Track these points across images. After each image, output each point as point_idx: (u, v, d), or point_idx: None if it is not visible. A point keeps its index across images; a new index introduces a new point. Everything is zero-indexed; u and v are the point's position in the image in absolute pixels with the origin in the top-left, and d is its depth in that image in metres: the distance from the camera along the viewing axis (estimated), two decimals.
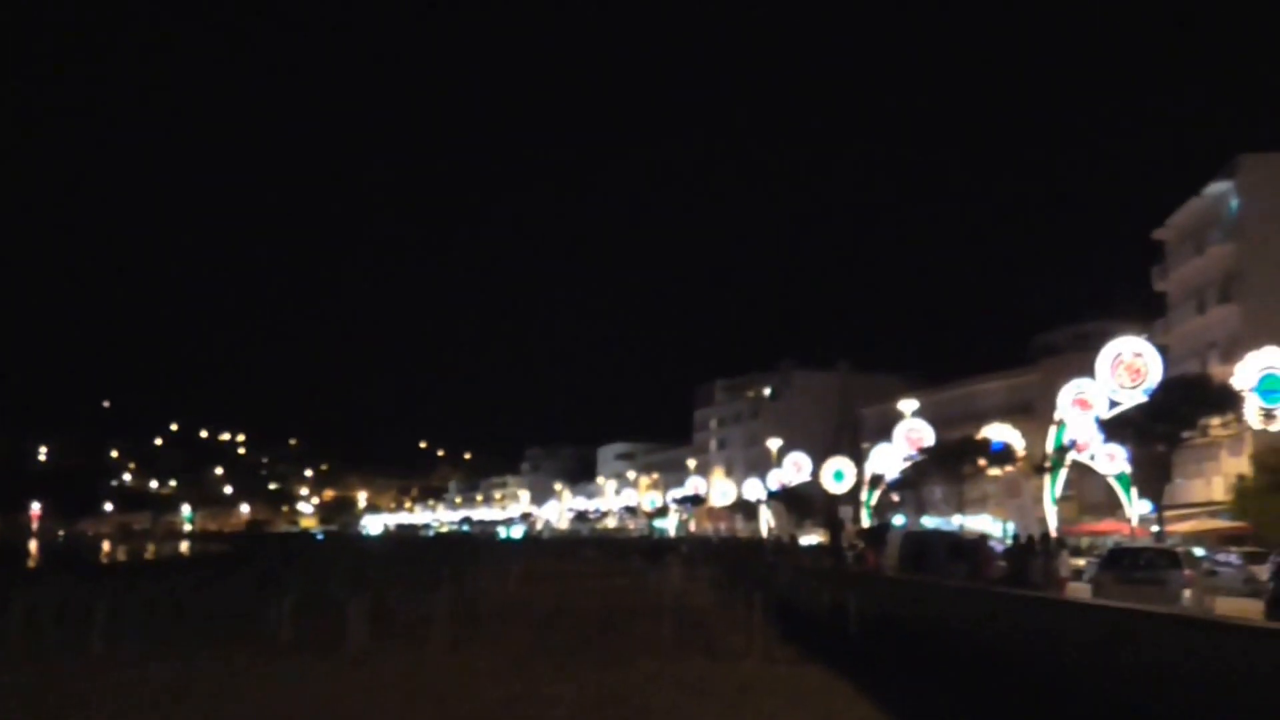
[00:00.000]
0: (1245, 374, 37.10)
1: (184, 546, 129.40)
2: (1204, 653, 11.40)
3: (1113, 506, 54.50)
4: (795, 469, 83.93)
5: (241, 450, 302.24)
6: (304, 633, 21.61)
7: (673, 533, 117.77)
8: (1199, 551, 38.31)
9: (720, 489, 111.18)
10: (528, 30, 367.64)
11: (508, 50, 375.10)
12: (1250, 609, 22.61)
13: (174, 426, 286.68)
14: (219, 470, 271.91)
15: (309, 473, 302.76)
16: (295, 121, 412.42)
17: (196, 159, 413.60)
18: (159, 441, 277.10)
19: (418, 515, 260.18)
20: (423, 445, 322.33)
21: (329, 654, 19.28)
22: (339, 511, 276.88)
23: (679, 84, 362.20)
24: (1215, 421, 37.71)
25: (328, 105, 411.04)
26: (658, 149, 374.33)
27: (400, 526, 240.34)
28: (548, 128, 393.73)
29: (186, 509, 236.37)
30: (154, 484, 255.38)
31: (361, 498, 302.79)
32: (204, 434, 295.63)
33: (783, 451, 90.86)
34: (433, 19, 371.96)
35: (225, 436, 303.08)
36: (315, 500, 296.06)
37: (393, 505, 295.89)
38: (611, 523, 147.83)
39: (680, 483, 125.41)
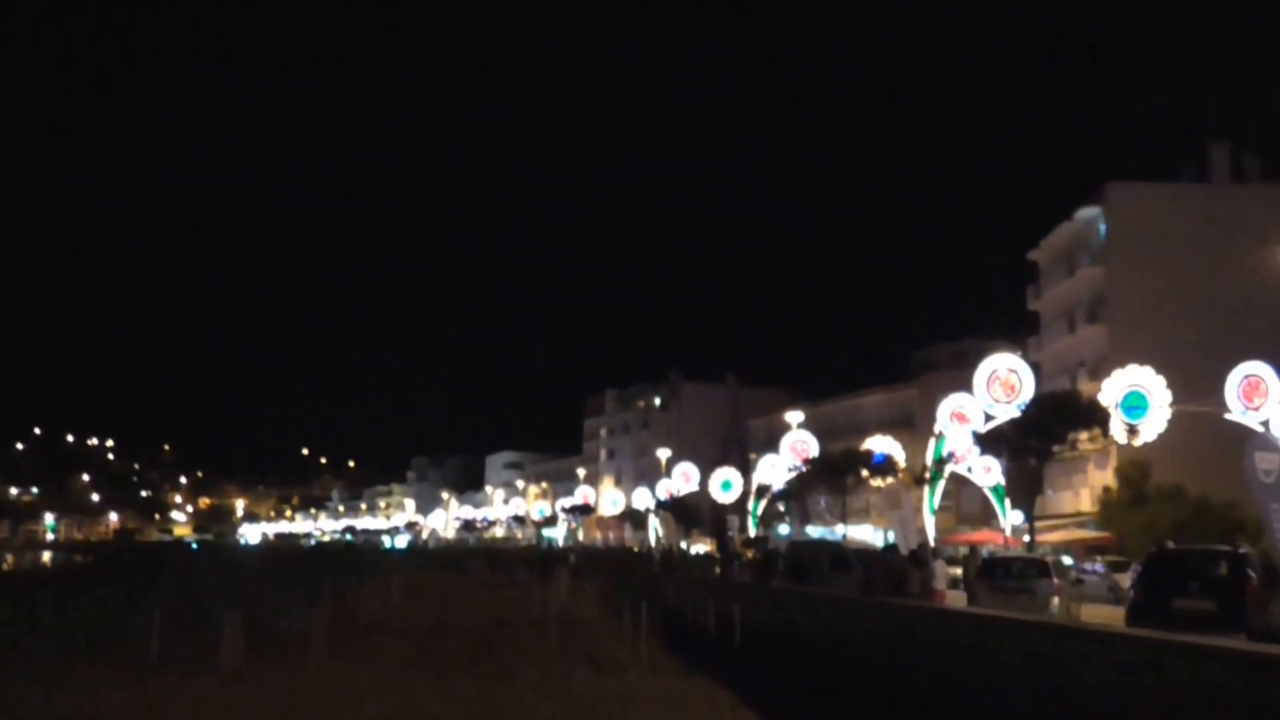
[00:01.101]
0: (1111, 391, 38.62)
1: (46, 557, 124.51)
2: (1068, 657, 11.92)
3: (988, 517, 56.03)
4: (684, 479, 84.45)
5: (110, 456, 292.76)
6: (174, 649, 20.88)
7: (561, 542, 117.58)
8: (1067, 561, 39.70)
9: (609, 498, 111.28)
10: (408, 41, 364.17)
11: (385, 59, 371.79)
12: (1113, 616, 23.49)
13: (36, 431, 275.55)
14: (85, 477, 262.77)
15: (183, 480, 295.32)
16: (177, 120, 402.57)
17: (65, 156, 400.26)
18: (20, 446, 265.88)
19: (299, 525, 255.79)
20: (305, 453, 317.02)
21: (201, 671, 18.68)
22: (215, 520, 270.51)
23: (569, 91, 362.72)
24: (1083, 436, 38.98)
25: (209, 102, 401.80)
26: (548, 158, 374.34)
27: (280, 536, 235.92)
28: (432, 133, 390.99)
29: (49, 518, 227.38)
30: (14, 491, 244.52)
31: (239, 506, 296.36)
32: (70, 439, 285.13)
33: (671, 462, 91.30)
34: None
35: (93, 442, 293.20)
36: (190, 508, 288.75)
37: (272, 514, 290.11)
38: (499, 532, 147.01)
39: (569, 492, 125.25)
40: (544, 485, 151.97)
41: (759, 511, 69.63)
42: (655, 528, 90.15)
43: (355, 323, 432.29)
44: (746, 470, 78.73)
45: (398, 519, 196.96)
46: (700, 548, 77.12)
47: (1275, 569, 14.74)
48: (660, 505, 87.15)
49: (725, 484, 74.28)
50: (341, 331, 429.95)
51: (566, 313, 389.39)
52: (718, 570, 45.61)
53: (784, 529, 77.69)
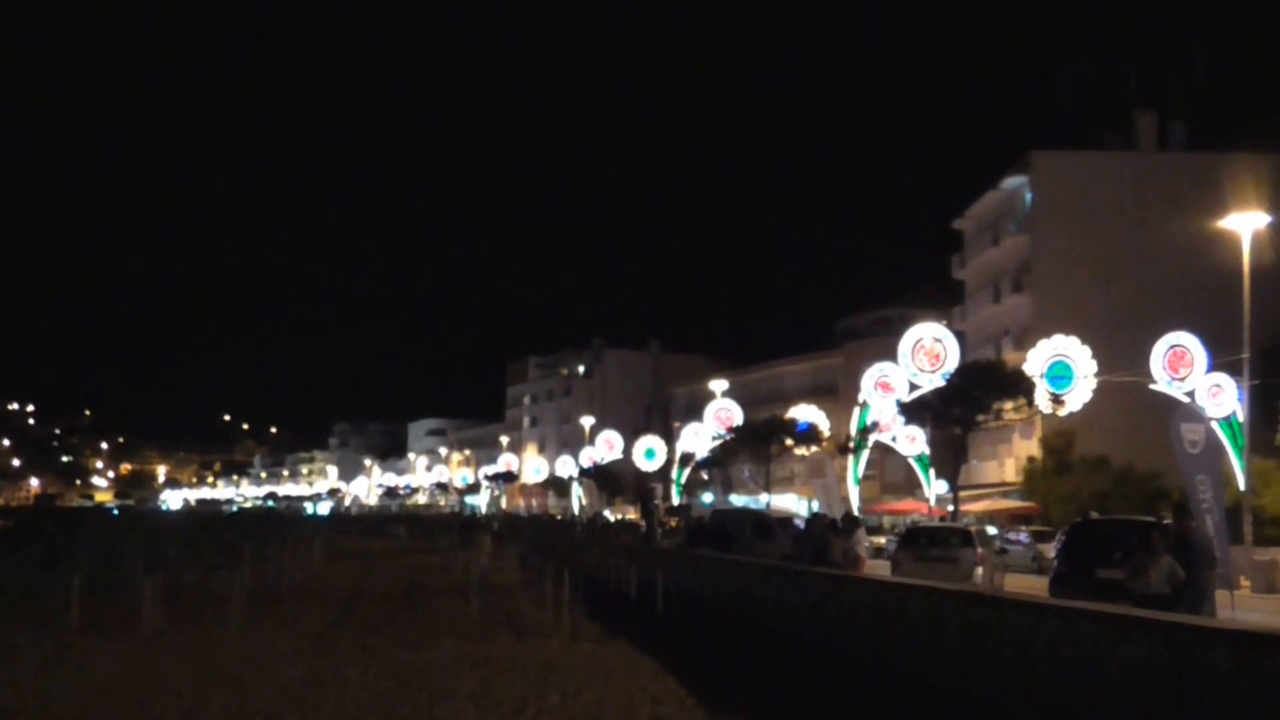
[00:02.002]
0: (1036, 360, 39.01)
1: None
2: (987, 626, 11.95)
3: (912, 486, 56.70)
4: (607, 447, 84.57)
5: (31, 421, 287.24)
6: (94, 612, 20.69)
7: (485, 510, 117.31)
8: (991, 530, 40.21)
9: (532, 466, 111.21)
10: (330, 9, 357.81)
11: (305, 21, 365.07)
12: (1037, 585, 23.77)
13: None
14: (5, 442, 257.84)
15: (104, 445, 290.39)
16: (89, 83, 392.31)
17: None
18: None
19: (221, 491, 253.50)
20: (226, 419, 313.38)
21: (121, 635, 18.55)
22: (136, 486, 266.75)
23: (494, 51, 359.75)
24: (1008, 406, 39.38)
25: (122, 70, 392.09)
26: (474, 120, 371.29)
27: (201, 502, 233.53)
28: (364, 91, 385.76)
29: None
30: None
31: (161, 472, 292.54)
32: None
33: (595, 429, 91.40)
34: None
35: (13, 406, 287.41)
36: (111, 474, 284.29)
37: (194, 480, 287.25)
38: (422, 499, 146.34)
39: (492, 460, 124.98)
40: (467, 453, 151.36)
41: (683, 480, 69.92)
42: (579, 495, 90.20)
43: (277, 288, 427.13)
44: (670, 438, 79.07)
45: (320, 486, 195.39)
46: (624, 515, 77.28)
47: (1191, 539, 14.88)
48: (584, 473, 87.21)
49: (649, 452, 74.51)
50: (263, 297, 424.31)
51: (489, 278, 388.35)
52: (641, 536, 45.63)
53: (708, 497, 78.23)
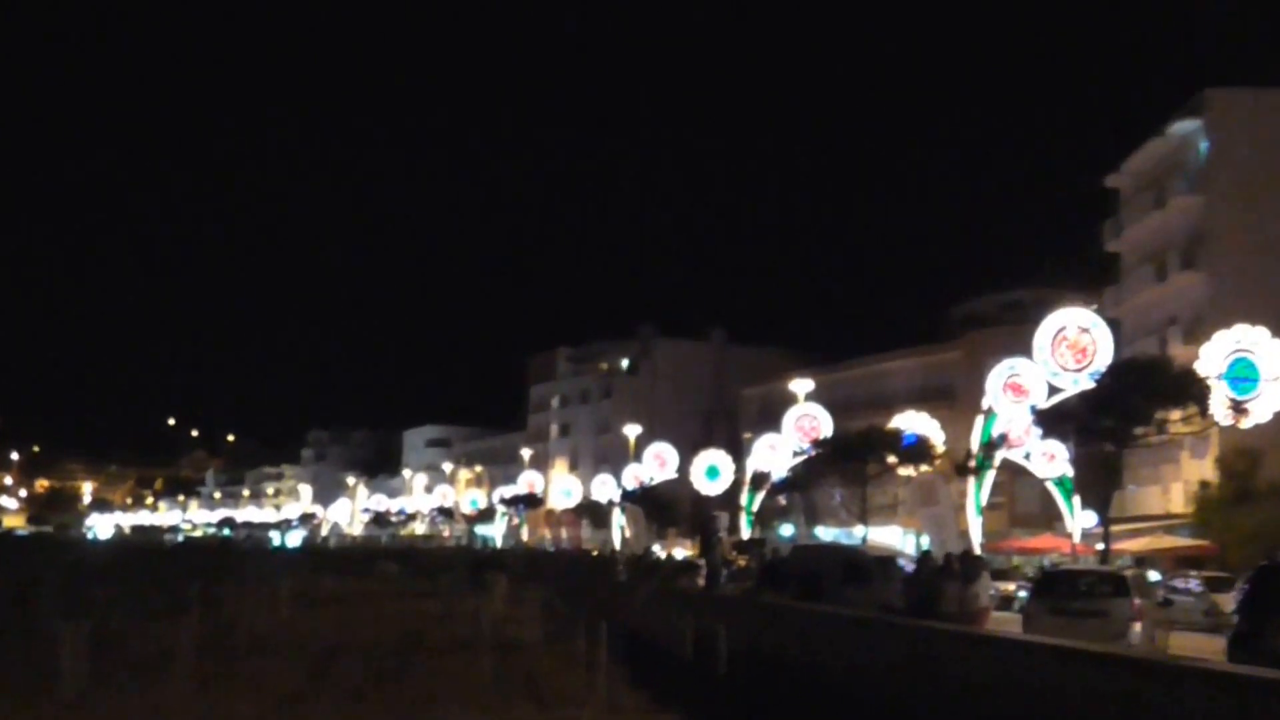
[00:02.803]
0: (1212, 358, 38.45)
1: None
2: (1155, 703, 11.80)
3: (1050, 518, 56.27)
4: (658, 464, 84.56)
5: None
6: (1, 670, 20.91)
7: (500, 543, 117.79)
8: (1153, 576, 39.80)
9: (562, 487, 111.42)
10: None
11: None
12: (1212, 648, 23.52)
13: None
14: None
15: (15, 456, 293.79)
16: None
17: None
18: None
19: (163, 515, 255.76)
20: (171, 423, 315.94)
21: (35, 697, 18.71)
22: (56, 508, 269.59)
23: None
24: (1175, 415, 38.87)
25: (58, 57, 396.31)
26: (490, 74, 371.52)
27: (138, 529, 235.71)
28: (364, 61, 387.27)
29: None
30: None
31: (86, 490, 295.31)
32: None
33: (642, 441, 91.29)
34: None
35: None
36: (23, 493, 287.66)
37: (129, 501, 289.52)
38: (420, 528, 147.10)
39: (510, 479, 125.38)
40: (478, 469, 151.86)
41: (754, 507, 69.90)
42: (621, 526, 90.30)
43: (236, 261, 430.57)
44: (739, 454, 78.87)
45: (290, 510, 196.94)
46: (678, 552, 77.25)
47: None
48: (628, 497, 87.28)
49: (711, 470, 74.57)
50: (219, 272, 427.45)
51: (507, 252, 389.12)
52: (700, 581, 45.69)
53: (787, 530, 78.05)
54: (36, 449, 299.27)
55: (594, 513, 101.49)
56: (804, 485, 68.10)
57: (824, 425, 64.71)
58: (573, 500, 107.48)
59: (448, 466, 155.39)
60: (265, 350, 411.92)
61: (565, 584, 52.59)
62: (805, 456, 63.39)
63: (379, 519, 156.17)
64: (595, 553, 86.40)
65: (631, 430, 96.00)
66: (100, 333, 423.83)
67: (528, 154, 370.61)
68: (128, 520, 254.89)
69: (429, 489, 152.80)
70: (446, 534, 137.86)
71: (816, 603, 28.56)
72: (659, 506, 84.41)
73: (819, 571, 32.91)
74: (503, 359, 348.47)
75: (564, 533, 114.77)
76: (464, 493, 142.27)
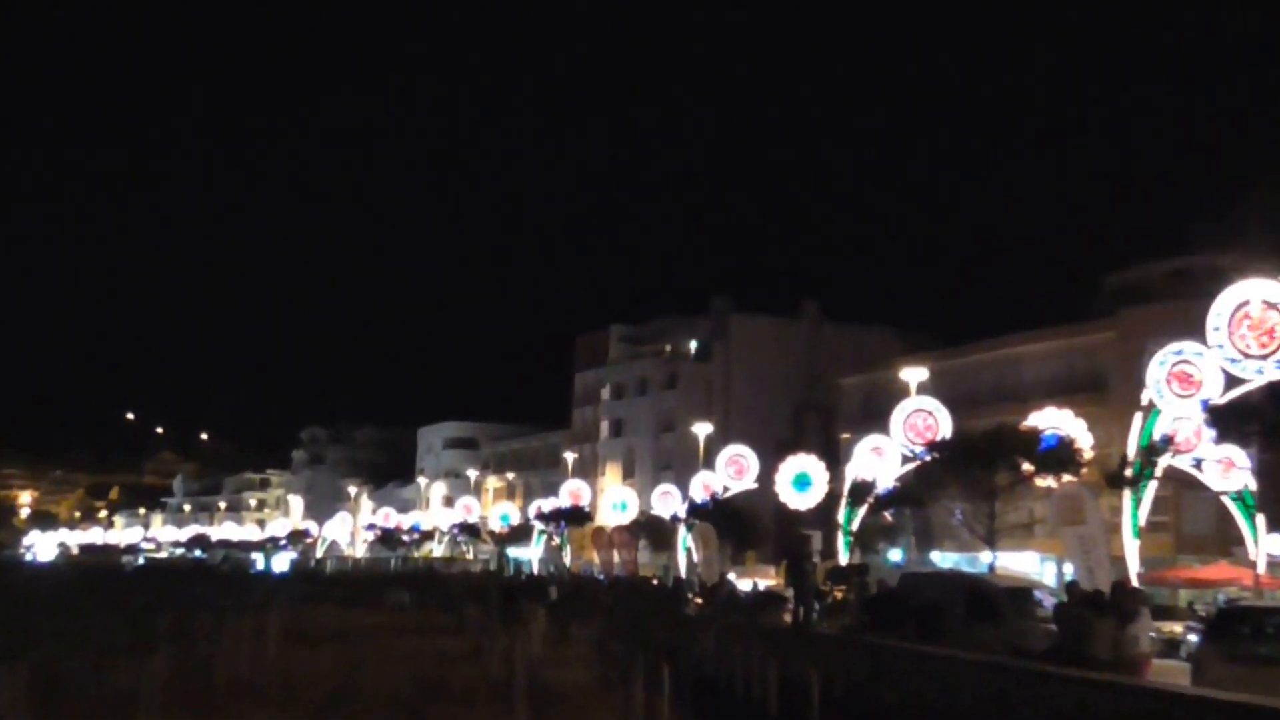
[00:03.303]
0: None
1: None
2: None
3: (1227, 541, 55.90)
4: (735, 471, 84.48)
5: None
6: None
7: (537, 567, 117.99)
8: None
9: (614, 499, 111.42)
10: None
11: None
12: None
13: None
14: None
15: None
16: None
17: None
18: None
19: (120, 532, 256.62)
20: (129, 418, 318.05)
21: None
22: None
23: None
24: None
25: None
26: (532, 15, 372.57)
27: (90, 549, 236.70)
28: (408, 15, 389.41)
29: None
30: None
31: (24, 500, 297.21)
32: None
33: (715, 442, 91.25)
34: None
35: None
36: None
37: (78, 514, 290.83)
38: (439, 549, 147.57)
39: (551, 489, 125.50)
40: (510, 477, 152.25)
41: (854, 524, 69.70)
42: (688, 547, 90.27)
43: (212, 222, 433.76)
44: (835, 458, 78.72)
45: (277, 526, 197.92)
46: (761, 582, 77.32)
47: None
48: (696, 511, 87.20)
49: (801, 479, 74.38)
50: (190, 234, 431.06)
51: (549, 211, 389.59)
52: (786, 616, 45.75)
53: (895, 554, 77.88)
54: None
55: (654, 531, 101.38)
56: (916, 499, 67.79)
57: (942, 424, 64.36)
58: (627, 516, 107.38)
59: (473, 473, 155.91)
60: (248, 331, 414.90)
61: (618, 618, 52.67)
62: (918, 463, 63.13)
63: (388, 537, 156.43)
64: (655, 580, 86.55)
65: (701, 429, 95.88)
66: (42, 306, 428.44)
67: (572, 103, 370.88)
68: (76, 538, 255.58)
69: (449, 501, 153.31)
70: (471, 556, 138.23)
71: (934, 644, 28.57)
72: (735, 524, 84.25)
73: (938, 605, 32.91)
74: (541, 342, 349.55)
75: (616, 556, 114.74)
76: (493, 505, 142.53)
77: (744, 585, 71.24)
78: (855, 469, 68.51)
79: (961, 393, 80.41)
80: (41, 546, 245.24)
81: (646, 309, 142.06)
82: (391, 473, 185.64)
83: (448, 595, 76.29)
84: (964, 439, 61.47)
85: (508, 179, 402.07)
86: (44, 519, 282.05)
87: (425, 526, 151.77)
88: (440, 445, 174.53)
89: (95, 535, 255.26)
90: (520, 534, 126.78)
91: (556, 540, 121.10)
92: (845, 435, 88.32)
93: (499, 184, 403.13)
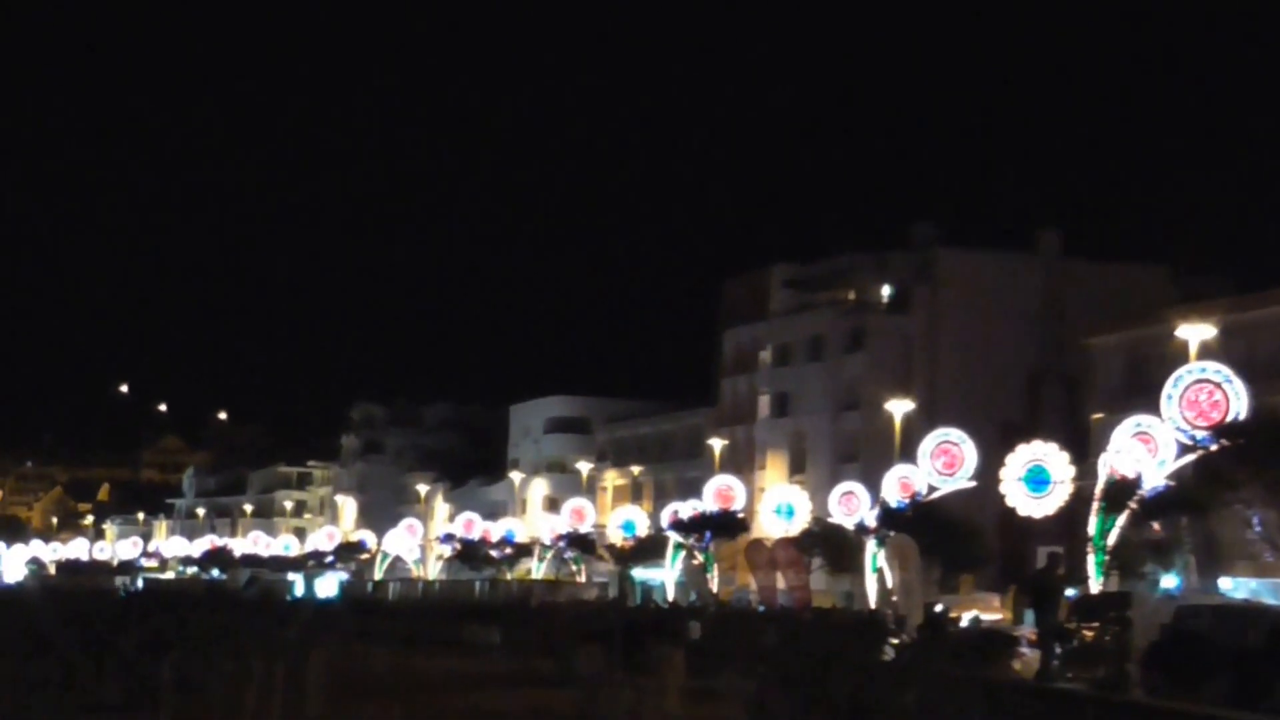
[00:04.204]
0: None
1: None
2: None
3: None
4: (943, 463, 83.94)
5: None
6: None
7: (673, 594, 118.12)
8: None
9: (777, 501, 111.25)
10: None
11: None
12: None
13: None
14: None
15: None
16: None
17: None
18: None
19: (111, 545, 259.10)
20: (123, 390, 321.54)
21: None
22: None
23: None
24: None
25: None
26: None
27: (70, 567, 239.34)
28: None
29: None
30: None
31: None
32: None
33: (917, 424, 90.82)
34: None
35: None
36: None
37: (54, 520, 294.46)
38: (539, 569, 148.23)
39: (691, 489, 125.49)
40: (635, 471, 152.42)
41: (1109, 537, 69.10)
42: (879, 567, 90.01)
43: (225, 140, 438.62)
44: (1083, 448, 77.95)
45: (321, 536, 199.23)
46: (982, 615, 76.99)
47: None
48: (890, 519, 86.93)
49: (1035, 476, 73.68)
50: (198, 159, 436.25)
51: (675, 114, 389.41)
52: (1018, 664, 45.41)
53: (1168, 579, 76.99)
54: None
55: (832, 545, 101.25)
56: (1197, 503, 67.20)
57: (1234, 400, 63.55)
58: (795, 524, 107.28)
59: (584, 466, 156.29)
60: (278, 280, 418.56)
61: (783, 665, 52.46)
62: (1200, 453, 62.53)
63: (470, 553, 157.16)
64: (835, 609, 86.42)
65: (898, 406, 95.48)
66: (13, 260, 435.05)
67: None
68: (52, 552, 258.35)
69: (553, 504, 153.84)
70: (583, 579, 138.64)
71: (1254, 708, 28.18)
72: (944, 536, 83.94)
73: (1251, 650, 32.42)
74: (675, 290, 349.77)
75: (780, 578, 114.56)
76: (612, 510, 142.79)
77: (964, 618, 71.00)
78: (1112, 461, 67.88)
79: (1262, 358, 79.44)
80: (7, 564, 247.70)
81: (820, 243, 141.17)
82: (474, 466, 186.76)
83: (551, 632, 76.47)
84: (1266, 421, 60.79)
85: (622, 70, 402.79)
86: (9, 527, 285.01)
87: (521, 538, 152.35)
88: (540, 429, 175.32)
89: (78, 549, 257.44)
90: (650, 549, 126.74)
91: (699, 558, 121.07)
92: (1098, 415, 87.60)
93: (606, 81, 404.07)
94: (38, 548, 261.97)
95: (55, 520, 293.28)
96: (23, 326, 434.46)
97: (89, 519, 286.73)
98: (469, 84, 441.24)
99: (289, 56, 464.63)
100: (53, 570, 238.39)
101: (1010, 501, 74.29)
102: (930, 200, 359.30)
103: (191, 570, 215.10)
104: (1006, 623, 62.47)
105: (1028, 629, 56.12)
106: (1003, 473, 74.75)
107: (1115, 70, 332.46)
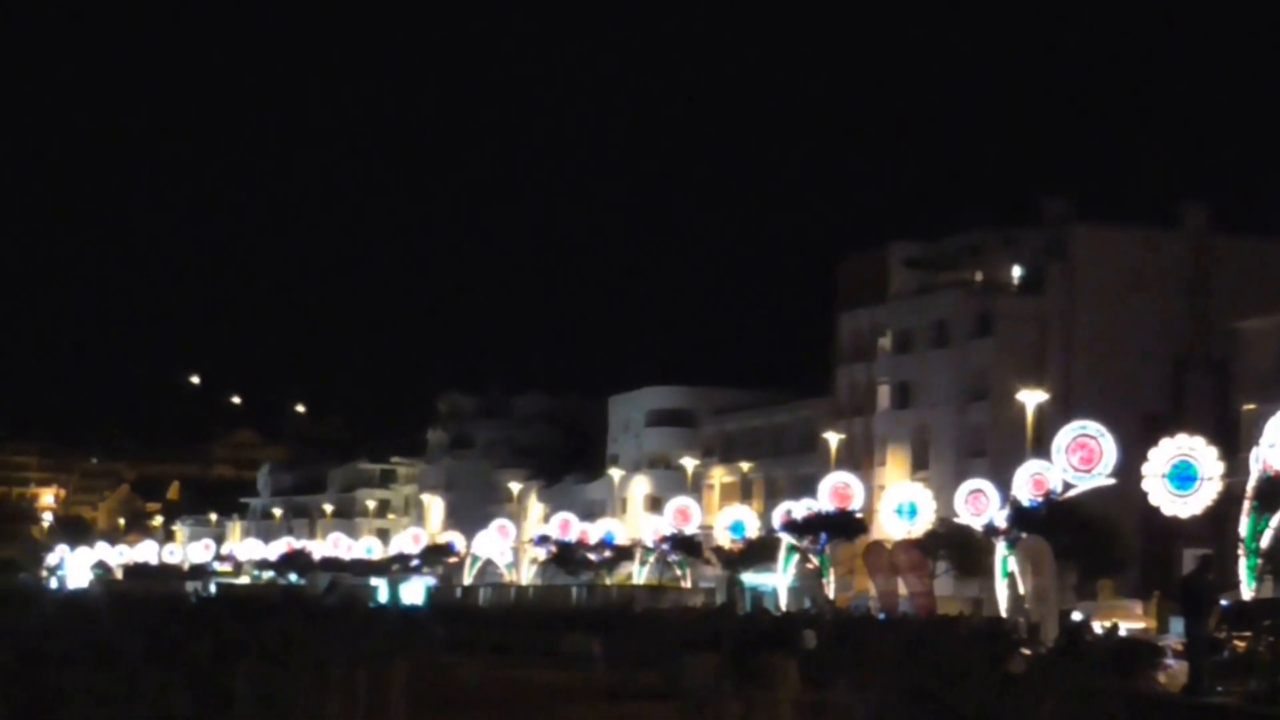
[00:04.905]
0: None
1: None
2: None
3: None
4: (1080, 458, 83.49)
5: None
6: None
7: (786, 601, 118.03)
8: None
9: (899, 500, 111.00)
10: None
11: None
12: None
13: None
14: None
15: None
16: None
17: None
18: None
19: (182, 547, 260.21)
20: (194, 382, 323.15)
21: None
22: None
23: None
24: None
25: None
26: None
27: (138, 571, 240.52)
28: None
29: None
30: None
31: (46, 503, 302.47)
32: None
33: (1050, 417, 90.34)
34: None
35: None
36: None
37: (121, 521, 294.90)
38: (641, 574, 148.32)
39: (805, 485, 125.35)
40: (744, 468, 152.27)
41: (1260, 539, 68.61)
42: (1010, 571, 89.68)
43: (307, 123, 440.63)
44: (1233, 441, 77.25)
45: (406, 538, 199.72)
46: (1122, 624, 76.56)
47: None
48: (1022, 518, 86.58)
49: (1181, 472, 73.19)
50: (275, 141, 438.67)
51: (788, 83, 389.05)
52: (1161, 677, 45.11)
53: None
54: None
55: (958, 548, 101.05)
56: None
57: None
58: (918, 525, 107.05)
59: (689, 462, 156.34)
60: (358, 262, 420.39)
61: (907, 678, 52.24)
62: None
63: (566, 556, 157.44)
64: (964, 617, 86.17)
65: (1030, 397, 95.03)
66: (71, 236, 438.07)
67: None
68: (118, 555, 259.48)
69: (655, 503, 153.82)
70: (688, 584, 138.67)
71: None
72: (1081, 538, 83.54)
73: None
74: (785, 270, 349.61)
75: (902, 584, 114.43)
76: (720, 509, 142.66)
77: (1096, 627, 70.59)
78: (1265, 455, 67.37)
79: None
80: (71, 567, 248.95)
81: (944, 219, 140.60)
82: (570, 461, 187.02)
83: (655, 642, 76.42)
84: None
85: (731, 43, 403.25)
86: (74, 528, 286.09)
87: (620, 540, 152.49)
88: (641, 421, 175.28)
89: (147, 551, 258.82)
90: (760, 551, 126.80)
91: (813, 561, 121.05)
92: (1250, 406, 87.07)
93: (715, 54, 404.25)
94: (103, 550, 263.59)
95: (122, 521, 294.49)
96: (88, 314, 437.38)
97: (158, 519, 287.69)
98: (570, 66, 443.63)
99: (386, 45, 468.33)
100: (119, 574, 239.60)
101: (1153, 500, 73.76)
102: (1064, 171, 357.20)
103: (267, 574, 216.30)
104: (1150, 631, 61.92)
105: (1173, 638, 55.83)
106: (1145, 468, 74.22)
107: (1266, 25, 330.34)
